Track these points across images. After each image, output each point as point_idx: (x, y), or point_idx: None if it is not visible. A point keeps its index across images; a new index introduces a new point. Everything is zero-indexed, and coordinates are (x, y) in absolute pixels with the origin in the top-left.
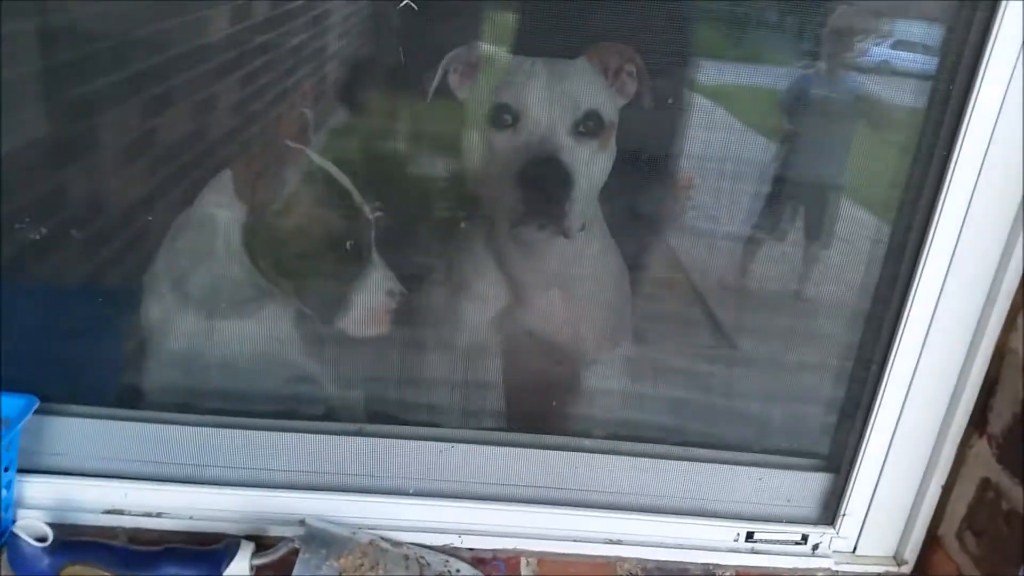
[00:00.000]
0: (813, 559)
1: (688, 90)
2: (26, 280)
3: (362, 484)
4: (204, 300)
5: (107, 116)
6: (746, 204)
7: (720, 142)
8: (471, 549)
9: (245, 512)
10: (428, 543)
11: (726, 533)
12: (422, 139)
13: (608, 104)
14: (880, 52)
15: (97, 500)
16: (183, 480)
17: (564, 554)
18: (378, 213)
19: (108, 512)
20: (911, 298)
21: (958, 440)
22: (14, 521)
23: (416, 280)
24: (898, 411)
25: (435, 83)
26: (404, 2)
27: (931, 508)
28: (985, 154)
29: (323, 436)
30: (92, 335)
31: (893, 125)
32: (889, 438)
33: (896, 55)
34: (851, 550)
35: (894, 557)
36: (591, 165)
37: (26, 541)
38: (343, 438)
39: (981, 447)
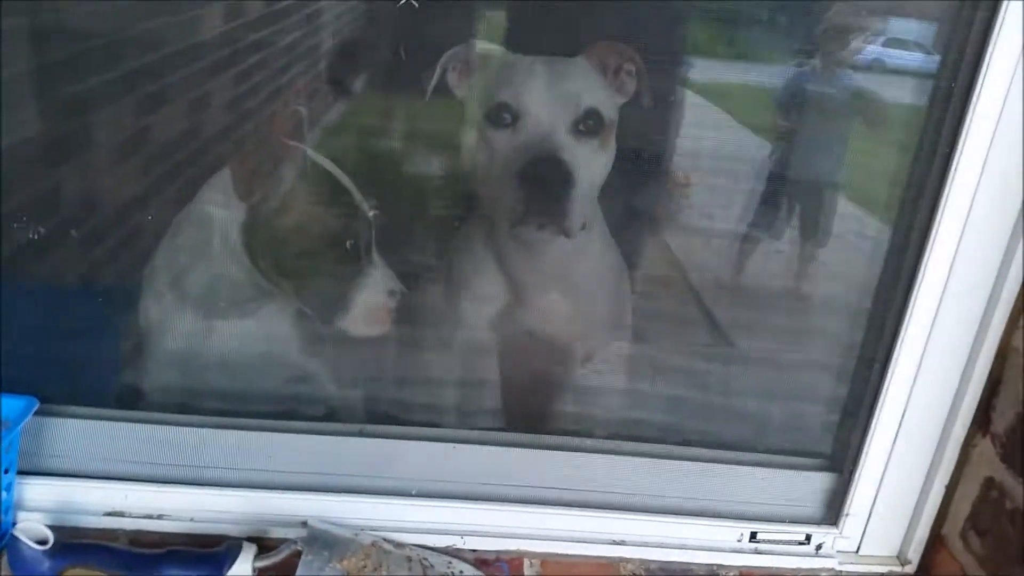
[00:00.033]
0: (817, 559)
1: (686, 88)
2: (25, 280)
3: (364, 485)
4: (204, 300)
5: (103, 114)
6: (742, 201)
7: (717, 140)
8: (474, 550)
9: (247, 513)
10: (431, 544)
11: (729, 533)
12: (421, 138)
13: (608, 103)
14: (875, 50)
15: (98, 502)
16: (184, 481)
17: (567, 555)
18: (374, 211)
19: (109, 514)
20: (914, 297)
21: (961, 439)
22: (14, 524)
23: (416, 279)
24: (901, 411)
25: (434, 81)
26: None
27: (935, 508)
28: (987, 152)
29: (324, 437)
30: (92, 335)
31: (892, 124)
32: (892, 438)
33: (894, 53)
34: (855, 550)
35: (898, 557)
36: (591, 164)
37: (26, 544)
38: (344, 439)
39: (985, 446)
